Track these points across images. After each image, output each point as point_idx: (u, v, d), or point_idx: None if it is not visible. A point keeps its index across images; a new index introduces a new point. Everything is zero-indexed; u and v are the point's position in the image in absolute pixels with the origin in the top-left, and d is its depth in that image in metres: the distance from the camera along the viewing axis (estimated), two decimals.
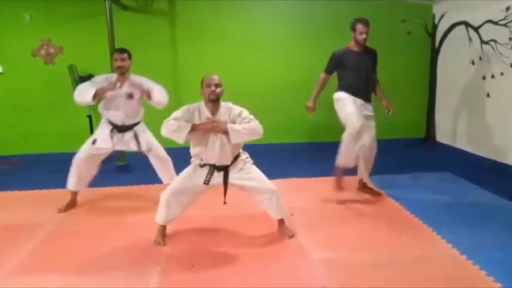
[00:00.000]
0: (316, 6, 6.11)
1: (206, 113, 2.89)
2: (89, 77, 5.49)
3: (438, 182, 4.47)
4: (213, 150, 2.87)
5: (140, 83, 3.68)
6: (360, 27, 3.77)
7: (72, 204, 3.82)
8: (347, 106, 3.78)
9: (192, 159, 3.04)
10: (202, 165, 2.96)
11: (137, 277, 2.60)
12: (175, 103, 6.05)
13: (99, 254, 2.90)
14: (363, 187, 4.10)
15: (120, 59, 3.59)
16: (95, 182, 4.26)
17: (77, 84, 5.44)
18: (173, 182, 3.05)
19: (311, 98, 3.94)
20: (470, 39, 5.52)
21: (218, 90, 2.84)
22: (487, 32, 5.16)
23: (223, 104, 2.95)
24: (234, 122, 2.90)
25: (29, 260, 2.85)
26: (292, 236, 3.13)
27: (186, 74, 6.03)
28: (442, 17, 6.14)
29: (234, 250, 2.94)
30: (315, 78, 3.99)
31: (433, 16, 6.33)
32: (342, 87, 3.90)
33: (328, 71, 3.94)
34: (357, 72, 3.81)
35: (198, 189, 3.00)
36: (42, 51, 5.74)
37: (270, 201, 3.03)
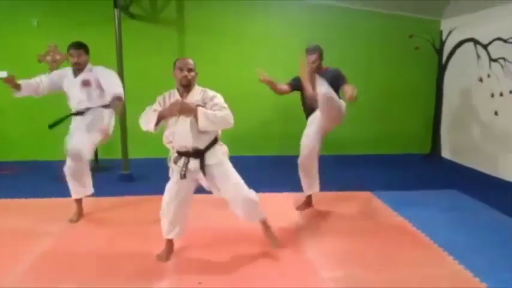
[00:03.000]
0: (329, 15, 6.14)
1: (177, 96, 2.78)
2: None
3: (446, 199, 4.40)
4: (183, 130, 2.70)
5: (99, 71, 3.72)
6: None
7: (81, 213, 3.76)
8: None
9: (167, 160, 2.93)
10: (176, 158, 2.83)
11: None
12: None
13: (103, 268, 2.83)
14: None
15: (77, 55, 3.60)
16: (99, 191, 4.21)
17: None
18: (165, 192, 2.92)
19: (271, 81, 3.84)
20: (478, 56, 5.51)
21: (191, 75, 2.73)
22: (496, 49, 5.15)
23: (198, 88, 2.83)
24: (204, 105, 2.73)
25: (32, 270, 2.78)
26: (277, 246, 3.09)
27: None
28: (449, 33, 6.14)
29: (241, 266, 2.87)
30: None
31: (441, 32, 6.33)
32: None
33: (289, 84, 3.91)
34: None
35: (187, 187, 2.88)
36: (48, 58, 5.73)
37: (238, 206, 2.93)
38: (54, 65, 5.73)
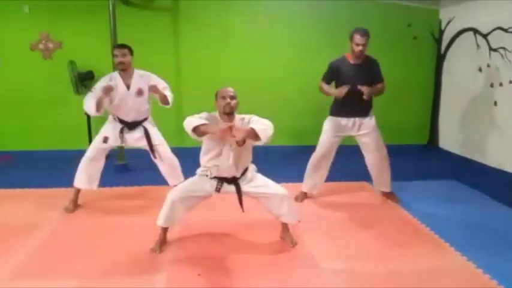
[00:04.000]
0: (325, 7, 6.04)
1: (222, 124, 2.76)
2: (88, 74, 5.37)
3: (445, 190, 4.38)
4: (227, 163, 2.77)
5: (148, 78, 3.68)
6: (357, 38, 3.54)
7: (76, 203, 3.69)
8: (323, 136, 3.82)
9: (198, 171, 2.93)
10: (210, 178, 2.86)
11: (141, 286, 2.47)
12: (177, 99, 5.98)
13: (101, 260, 2.77)
14: (385, 195, 4.05)
15: (121, 55, 3.51)
16: None
17: (75, 81, 5.31)
18: (181, 186, 2.92)
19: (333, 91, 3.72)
20: (478, 45, 5.45)
21: (233, 102, 2.75)
22: (496, 39, 5.09)
23: (237, 116, 2.86)
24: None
25: (27, 264, 2.70)
26: (295, 244, 3.02)
27: (189, 71, 5.93)
28: (448, 22, 6.08)
29: (241, 258, 2.82)
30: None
31: (440, 21, 6.26)
32: (332, 111, 3.81)
33: (326, 80, 3.78)
34: (351, 86, 3.58)
35: (206, 194, 2.90)
36: (41, 46, 5.59)
37: (281, 205, 2.92)
38: (47, 53, 5.60)
